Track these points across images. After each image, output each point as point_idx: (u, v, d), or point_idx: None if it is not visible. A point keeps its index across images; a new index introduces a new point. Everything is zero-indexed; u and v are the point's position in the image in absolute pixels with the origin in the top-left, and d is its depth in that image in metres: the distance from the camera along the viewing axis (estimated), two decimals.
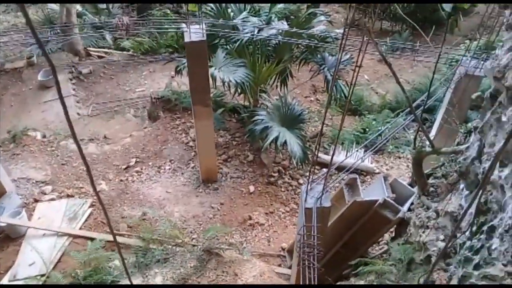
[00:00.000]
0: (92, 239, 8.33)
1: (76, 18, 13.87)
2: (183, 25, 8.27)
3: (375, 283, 5.21)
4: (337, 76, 8.96)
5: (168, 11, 14.64)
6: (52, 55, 14.04)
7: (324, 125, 4.58)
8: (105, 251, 7.22)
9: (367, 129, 11.72)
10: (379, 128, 11.30)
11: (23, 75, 13.44)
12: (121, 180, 10.17)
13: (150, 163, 10.59)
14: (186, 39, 7.65)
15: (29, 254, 8.34)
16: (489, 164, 3.50)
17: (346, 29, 3.98)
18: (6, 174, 9.60)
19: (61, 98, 1.40)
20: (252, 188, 9.96)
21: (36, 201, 9.56)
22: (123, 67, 14.03)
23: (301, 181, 10.19)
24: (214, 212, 9.47)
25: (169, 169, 10.43)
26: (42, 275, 7.54)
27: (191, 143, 10.97)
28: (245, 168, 10.42)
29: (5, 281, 7.96)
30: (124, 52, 14.54)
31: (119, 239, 8.38)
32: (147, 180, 10.18)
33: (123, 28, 8.34)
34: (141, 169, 10.48)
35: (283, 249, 8.73)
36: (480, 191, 2.26)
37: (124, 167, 10.52)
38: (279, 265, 8.43)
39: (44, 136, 11.53)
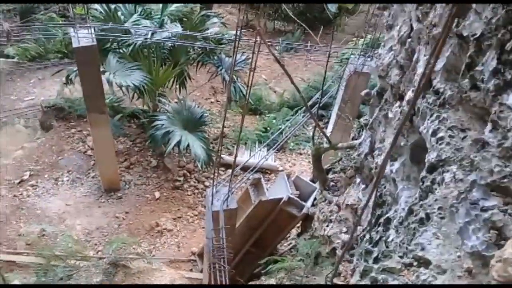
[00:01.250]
0: None
1: None
2: (71, 29, 7.92)
3: (285, 280, 5.37)
4: (234, 77, 9.09)
5: (54, 15, 13.89)
6: None
7: (226, 126, 4.63)
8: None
9: (268, 128, 12.00)
10: (280, 126, 11.61)
11: None
12: (15, 196, 9.54)
13: (46, 176, 10.03)
14: (75, 44, 7.36)
15: None
16: (381, 159, 3.75)
17: (239, 31, 4.06)
18: None
19: None
20: (157, 194, 9.81)
21: None
22: (8, 75, 13.11)
23: (207, 183, 10.20)
24: (119, 221, 9.21)
25: (68, 180, 9.95)
26: None
27: (89, 152, 10.54)
28: (149, 174, 10.23)
29: None
30: (9, 60, 13.58)
31: (16, 258, 7.86)
32: (44, 194, 9.64)
33: (3, 35, 7.79)
34: (37, 182, 9.89)
35: (194, 254, 8.70)
36: (375, 186, 2.43)
37: (17, 181, 9.85)
38: (191, 270, 8.39)
39: None
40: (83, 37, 7.21)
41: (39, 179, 9.99)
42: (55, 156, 10.52)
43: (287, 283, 5.34)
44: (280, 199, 6.53)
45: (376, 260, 3.26)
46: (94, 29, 7.69)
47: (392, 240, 3.14)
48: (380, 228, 3.45)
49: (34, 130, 11.34)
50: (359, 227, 3.88)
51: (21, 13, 14.22)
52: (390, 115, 3.63)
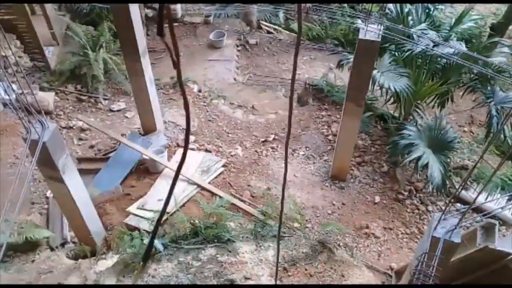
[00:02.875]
0: (216, 195, 8.87)
1: None
2: (359, 21, 8.25)
3: None
4: (506, 116, 8.40)
5: (345, 5, 14.67)
6: (227, 20, 14.91)
7: (471, 160, 4.37)
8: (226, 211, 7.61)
9: None
10: None
11: (197, 30, 14.47)
12: (256, 151, 10.58)
13: None
14: (361, 36, 7.63)
15: (160, 190, 9.12)
16: None
17: None
18: (160, 114, 10.49)
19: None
20: (377, 199, 9.78)
21: (178, 146, 10.36)
22: (286, 46, 14.41)
23: (430, 208, 9.77)
24: (333, 209, 9.49)
25: (303, 155, 10.61)
26: (167, 212, 8.19)
27: (330, 137, 11.02)
28: (376, 177, 10.25)
29: (134, 207, 8.81)
30: (292, 34, 14.91)
31: (241, 205, 8.79)
32: (279, 158, 10.47)
33: (303, 11, 8.55)
34: (277, 146, 10.79)
35: (391, 269, 8.50)
36: None
37: (262, 140, 10.92)
38: (383, 283, 8.25)
39: (199, 91, 12.36)
40: (370, 31, 7.46)
41: (279, 144, 10.87)
42: (300, 130, 11.28)
43: None
44: (509, 253, 5.92)
45: None
46: (382, 26, 7.89)
47: None
48: None
49: None
50: None
51: None
52: None
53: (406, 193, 9.97)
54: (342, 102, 9.63)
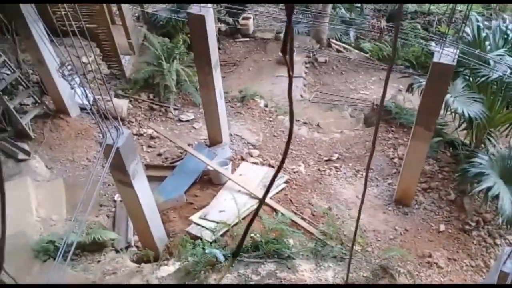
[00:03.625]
0: (277, 211, 8.90)
1: (331, 9, 14.56)
2: (433, 43, 8.09)
3: None
4: None
5: (419, 26, 14.46)
6: (298, 37, 15.02)
7: None
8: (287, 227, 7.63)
9: None
10: None
11: (267, 46, 14.70)
12: (319, 170, 10.54)
13: (350, 164, 10.75)
14: (435, 59, 7.48)
15: (222, 202, 9.27)
16: None
17: None
18: (227, 127, 10.71)
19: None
20: (442, 227, 9.45)
21: (242, 159, 10.50)
22: (356, 66, 14.34)
23: (498, 241, 9.32)
24: (395, 234, 9.26)
25: None
26: (228, 224, 8.32)
27: (396, 160, 10.80)
28: (442, 205, 9.92)
29: (196, 216, 9.00)
30: (361, 53, 14.83)
31: (301, 222, 8.78)
32: (342, 179, 10.37)
33: (377, 31, 8.51)
34: (340, 166, 10.70)
35: None
36: None
37: (325, 158, 10.87)
38: None
39: (266, 106, 12.52)
40: (445, 54, 7.30)
41: (343, 164, 10.77)
42: (364, 150, 11.13)
43: None
44: None
45: None
46: (457, 50, 7.71)
47: None
48: None
49: (357, 121, 12.22)
50: None
51: (389, 16, 15.20)
52: None
53: (473, 224, 9.57)
54: (410, 125, 9.46)
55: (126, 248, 8.47)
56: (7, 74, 10.17)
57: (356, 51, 15.05)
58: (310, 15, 13.75)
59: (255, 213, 2.30)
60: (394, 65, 13.89)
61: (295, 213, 9.11)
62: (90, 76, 10.25)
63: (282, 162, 1.86)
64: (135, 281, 7.04)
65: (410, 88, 9.95)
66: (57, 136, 10.68)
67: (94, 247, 7.98)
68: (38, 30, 9.43)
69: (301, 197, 9.69)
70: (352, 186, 10.22)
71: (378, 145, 11.16)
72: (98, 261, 7.89)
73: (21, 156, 9.80)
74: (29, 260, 7.82)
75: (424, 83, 8.45)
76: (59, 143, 10.60)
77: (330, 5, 14.33)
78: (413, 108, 11.24)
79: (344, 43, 15.32)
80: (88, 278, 7.36)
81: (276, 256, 7.03)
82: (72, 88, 10.63)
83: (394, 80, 13.61)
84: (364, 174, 10.51)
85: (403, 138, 11.15)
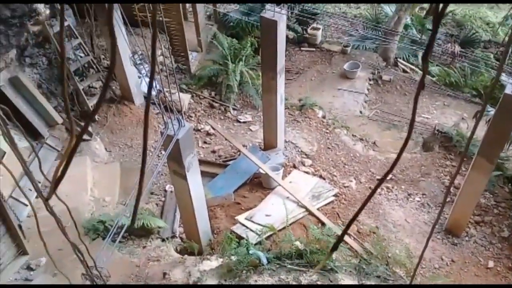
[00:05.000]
0: (323, 223, 8.86)
1: (402, 28, 14.35)
2: (503, 74, 7.86)
3: None
4: None
5: (491, 56, 14.02)
6: (364, 52, 14.91)
7: None
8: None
9: None
10: None
11: (333, 59, 14.64)
12: (370, 188, 10.38)
13: (402, 187, 10.55)
14: (507, 91, 7.29)
15: (270, 206, 9.33)
16: None
17: None
18: (283, 133, 10.76)
19: None
20: (491, 264, 9.12)
21: (294, 167, 10.51)
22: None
23: None
24: (441, 264, 9.01)
25: (418, 201, 10.22)
26: (274, 228, 8.36)
27: (451, 189, 10.50)
28: (494, 241, 9.57)
29: (243, 217, 9.08)
30: (428, 76, 14.51)
31: (346, 238, 8.68)
32: (392, 200, 10.20)
33: (450, 55, 8.33)
34: (392, 187, 10.52)
35: None
36: None
37: (378, 177, 10.71)
38: None
39: (324, 117, 12.47)
40: None
41: (395, 186, 10.58)
42: (419, 175, 10.89)
43: None
44: None
45: None
46: None
47: None
48: None
49: (415, 144, 11.96)
50: None
51: (462, 41, 14.79)
52: None
53: None
54: (471, 154, 9.20)
55: (171, 238, 8.65)
56: (81, 57, 10.64)
57: None
58: (380, 32, 13.58)
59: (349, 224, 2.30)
60: (460, 92, 13.56)
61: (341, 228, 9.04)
62: (158, 68, 10.57)
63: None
64: (177, 271, 7.18)
65: (475, 117, 9.66)
66: (119, 121, 11.06)
67: (142, 233, 8.20)
68: (116, 17, 9.80)
69: (349, 212, 9.58)
70: (402, 209, 10.03)
71: (434, 171, 10.91)
72: (144, 247, 8.10)
73: (83, 136, 10.20)
74: (78, 237, 8.12)
75: (492, 113, 8.21)
76: (120, 128, 10.98)
77: (402, 23, 14.13)
78: (476, 138, 10.91)
79: (411, 64, 15.03)
80: (133, 262, 7.57)
81: None
82: (139, 77, 11.03)
83: (458, 107, 13.30)
84: (415, 198, 10.30)
85: (464, 166, 10.83)
